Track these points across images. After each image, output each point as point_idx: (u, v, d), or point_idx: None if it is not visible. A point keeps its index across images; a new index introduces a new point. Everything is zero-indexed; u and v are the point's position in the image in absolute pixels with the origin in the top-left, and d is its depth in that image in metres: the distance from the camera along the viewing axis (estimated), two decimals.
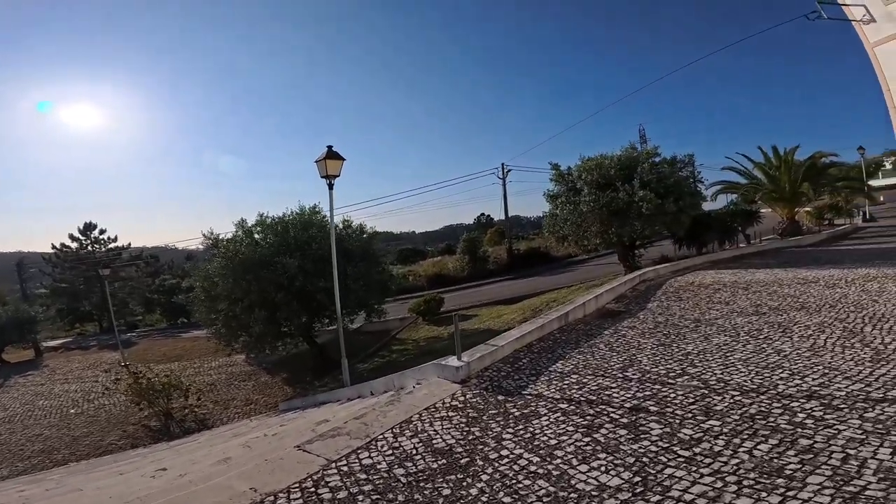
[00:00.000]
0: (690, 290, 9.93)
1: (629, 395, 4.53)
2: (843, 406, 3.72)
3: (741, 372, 4.74)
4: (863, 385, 4.06)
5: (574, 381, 5.21)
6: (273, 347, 14.94)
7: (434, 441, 4.12)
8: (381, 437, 4.35)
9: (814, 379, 4.32)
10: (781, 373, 4.58)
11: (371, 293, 14.74)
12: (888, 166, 37.48)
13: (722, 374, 4.76)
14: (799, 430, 3.46)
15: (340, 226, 16.03)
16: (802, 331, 5.95)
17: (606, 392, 4.72)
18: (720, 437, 3.52)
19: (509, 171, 36.26)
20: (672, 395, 4.38)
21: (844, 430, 3.36)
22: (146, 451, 11.19)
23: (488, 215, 62.21)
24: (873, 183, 25.26)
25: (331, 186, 9.30)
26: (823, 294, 8.12)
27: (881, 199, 26.99)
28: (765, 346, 5.50)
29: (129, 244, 46.48)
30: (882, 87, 9.65)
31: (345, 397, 9.59)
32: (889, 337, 5.26)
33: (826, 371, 4.46)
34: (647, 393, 4.53)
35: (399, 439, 4.25)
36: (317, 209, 16.02)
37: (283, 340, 14.67)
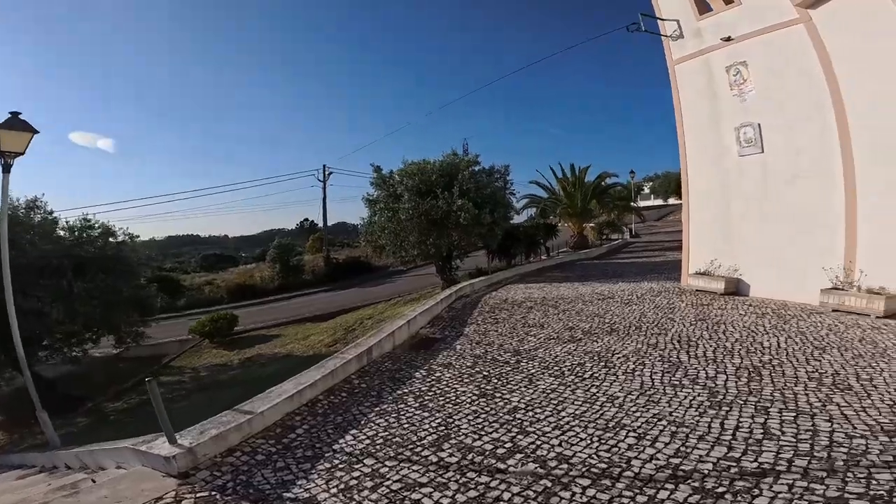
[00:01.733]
0: (506, 309, 9.28)
1: (447, 502, 2.99)
2: (721, 490, 2.77)
3: (581, 439, 3.64)
4: (725, 449, 3.25)
5: (368, 471, 3.47)
6: None
7: None
8: None
9: (666, 444, 3.41)
10: (626, 437, 3.60)
11: (116, 313, 10.90)
12: (646, 190, 46.60)
13: (560, 445, 3.58)
14: None
15: (77, 226, 11.68)
16: (623, 363, 5.35)
17: (413, 494, 3.10)
18: None
19: (331, 173, 33.66)
20: (506, 497, 2.97)
21: None
22: None
23: (312, 220, 57.86)
24: (634, 205, 30.50)
25: (7, 168, 5.84)
26: (624, 312, 8.11)
27: (640, 217, 32.86)
28: (594, 389, 4.63)
29: None
30: (675, 106, 10.45)
31: (39, 465, 6.40)
32: (710, 368, 4.89)
33: (674, 429, 3.63)
34: (472, 494, 3.04)
35: None
36: (38, 202, 11.40)
37: None
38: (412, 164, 14.62)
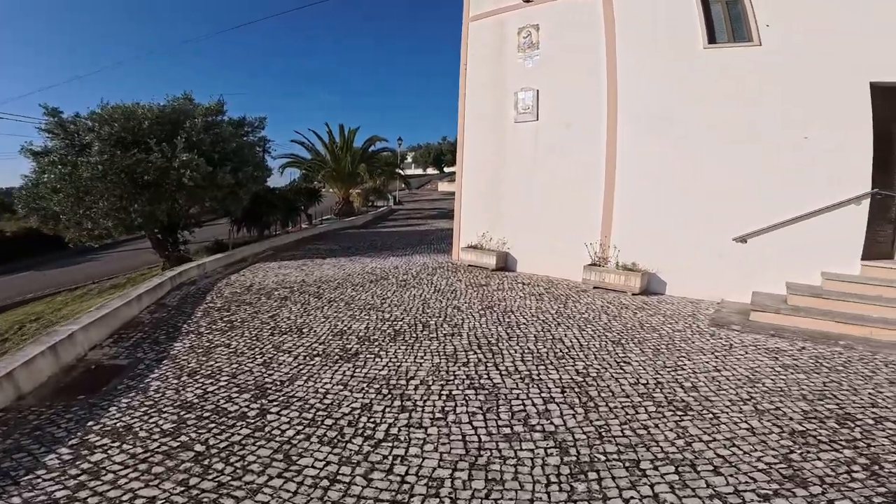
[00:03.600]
0: (248, 302, 6.70)
1: None
2: None
3: None
4: None
5: None
6: None
7: None
8: None
9: None
10: None
11: None
12: (409, 160, 47.76)
13: None
14: None
15: None
16: (426, 398, 3.66)
17: None
18: None
19: None
20: None
21: None
22: None
23: None
24: (399, 172, 30.34)
25: None
26: (405, 301, 6.62)
27: (402, 185, 33.00)
28: (400, 468, 2.77)
29: None
30: (461, 66, 9.51)
31: None
32: (534, 392, 3.63)
33: None
34: None
35: None
36: None
37: None
38: (115, 106, 10.01)
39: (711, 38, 6.78)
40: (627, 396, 3.61)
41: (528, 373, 4.05)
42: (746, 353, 4.58)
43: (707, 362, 4.32)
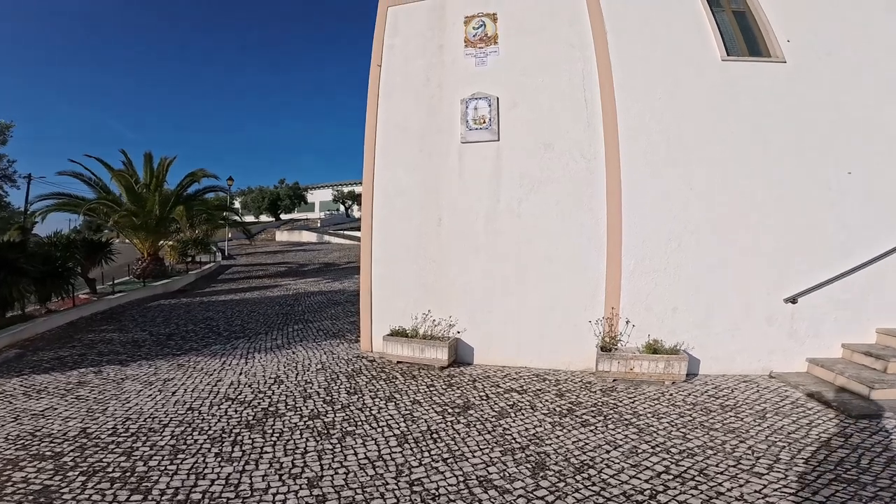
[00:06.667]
0: None
1: None
2: None
3: None
4: None
5: None
6: None
7: None
8: None
9: None
10: None
11: None
12: (237, 205, 40.42)
13: None
14: None
15: None
16: None
17: None
18: None
19: None
20: None
21: None
22: None
23: None
24: (237, 218, 24.31)
25: None
26: (363, 487, 3.09)
27: (230, 235, 26.67)
28: None
29: None
30: (373, 61, 6.52)
31: None
32: None
33: None
34: None
35: None
36: None
37: None
38: None
39: (725, 50, 5.33)
40: None
41: None
42: None
43: None
